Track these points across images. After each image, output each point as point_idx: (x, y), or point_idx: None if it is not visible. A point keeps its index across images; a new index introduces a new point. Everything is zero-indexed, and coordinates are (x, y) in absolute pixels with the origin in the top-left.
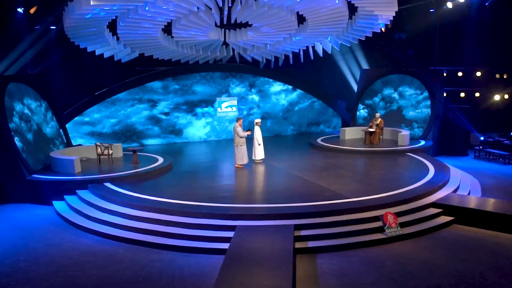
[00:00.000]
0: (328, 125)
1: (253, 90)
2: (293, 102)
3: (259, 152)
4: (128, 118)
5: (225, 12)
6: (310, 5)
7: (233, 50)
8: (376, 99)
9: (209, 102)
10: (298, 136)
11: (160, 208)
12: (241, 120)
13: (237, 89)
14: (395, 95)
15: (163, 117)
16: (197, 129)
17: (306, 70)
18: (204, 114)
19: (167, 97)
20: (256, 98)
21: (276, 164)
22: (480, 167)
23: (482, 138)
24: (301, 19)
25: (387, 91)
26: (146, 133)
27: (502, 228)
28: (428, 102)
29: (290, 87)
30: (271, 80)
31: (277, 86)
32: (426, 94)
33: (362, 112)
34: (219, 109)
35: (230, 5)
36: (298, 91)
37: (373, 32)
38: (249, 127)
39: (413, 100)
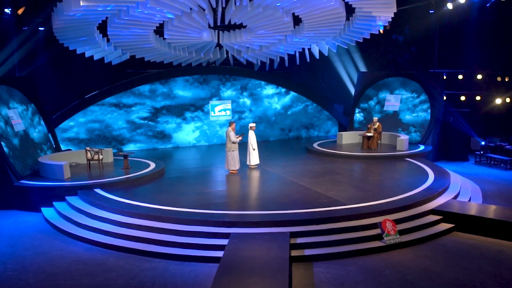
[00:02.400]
0: (322, 130)
1: (244, 93)
2: (286, 105)
3: (254, 157)
4: (115, 123)
5: (219, 13)
6: (306, 6)
7: (227, 52)
8: (372, 102)
9: (199, 106)
10: (292, 141)
11: (152, 215)
12: (234, 124)
13: (228, 92)
14: (391, 98)
15: (151, 121)
16: (186, 133)
17: (302, 73)
18: (193, 118)
19: (155, 100)
20: (247, 101)
21: (271, 170)
22: (481, 173)
23: (483, 143)
24: (297, 21)
25: (383, 95)
26: (134, 138)
27: (503, 235)
28: (425, 106)
29: (283, 90)
30: (263, 83)
31: (269, 89)
32: (422, 97)
33: (357, 116)
34: (212, 113)
35: (224, 5)
36: (291, 94)
37: (371, 34)
38: (242, 132)
39: (410, 104)
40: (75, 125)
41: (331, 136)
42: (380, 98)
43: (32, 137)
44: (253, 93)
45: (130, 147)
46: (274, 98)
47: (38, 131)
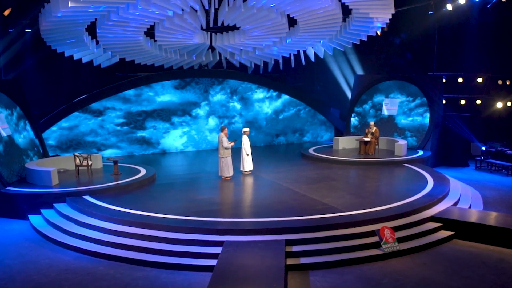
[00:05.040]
0: (315, 135)
1: (234, 97)
2: (278, 110)
3: (248, 163)
4: (100, 128)
5: (211, 14)
6: (302, 7)
7: (220, 54)
8: (366, 106)
9: (187, 110)
10: (284, 146)
11: (143, 223)
12: (226, 129)
13: (218, 96)
14: (388, 102)
15: (138, 126)
16: (173, 139)
17: (297, 76)
18: (181, 123)
19: (140, 104)
20: (237, 105)
21: (265, 176)
22: (482, 179)
23: (483, 148)
24: (292, 22)
25: (377, 98)
26: (119, 144)
27: (505, 243)
28: (421, 109)
29: (274, 94)
30: (254, 86)
31: (260, 93)
32: (418, 101)
33: (352, 120)
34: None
35: (216, 6)
36: (283, 98)
37: (368, 36)
38: (234, 138)
39: (405, 108)
40: (58, 130)
41: (325, 141)
42: (375, 101)
43: (17, 143)
44: (243, 97)
45: (115, 153)
46: (265, 102)
47: (23, 137)
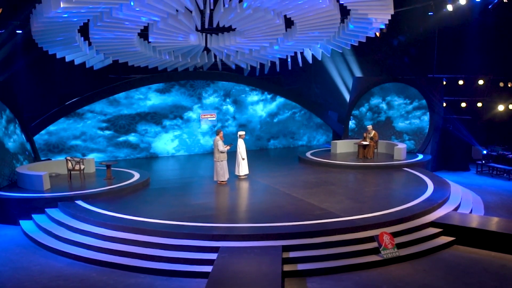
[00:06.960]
0: (312, 138)
1: (228, 100)
2: (272, 113)
3: (243, 167)
4: (89, 131)
5: (207, 15)
6: (299, 8)
7: (215, 56)
8: (363, 109)
9: (178, 113)
10: (280, 150)
11: (137, 228)
12: (222, 133)
13: (211, 99)
14: (383, 105)
15: (128, 129)
16: (165, 142)
17: (294, 78)
18: (173, 126)
19: (131, 107)
20: (231, 108)
21: (261, 180)
22: (483, 183)
23: (485, 152)
24: (289, 23)
25: (375, 101)
26: (109, 148)
27: (507, 249)
28: (419, 112)
29: (268, 96)
30: (247, 88)
31: (254, 96)
32: (416, 103)
33: (349, 123)
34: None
35: (212, 7)
36: (278, 101)
37: (367, 37)
38: (229, 142)
39: (403, 110)
40: (45, 133)
41: (322, 145)
42: (372, 104)
43: (7, 147)
44: (237, 99)
45: (105, 157)
46: (260, 105)
47: (13, 140)
